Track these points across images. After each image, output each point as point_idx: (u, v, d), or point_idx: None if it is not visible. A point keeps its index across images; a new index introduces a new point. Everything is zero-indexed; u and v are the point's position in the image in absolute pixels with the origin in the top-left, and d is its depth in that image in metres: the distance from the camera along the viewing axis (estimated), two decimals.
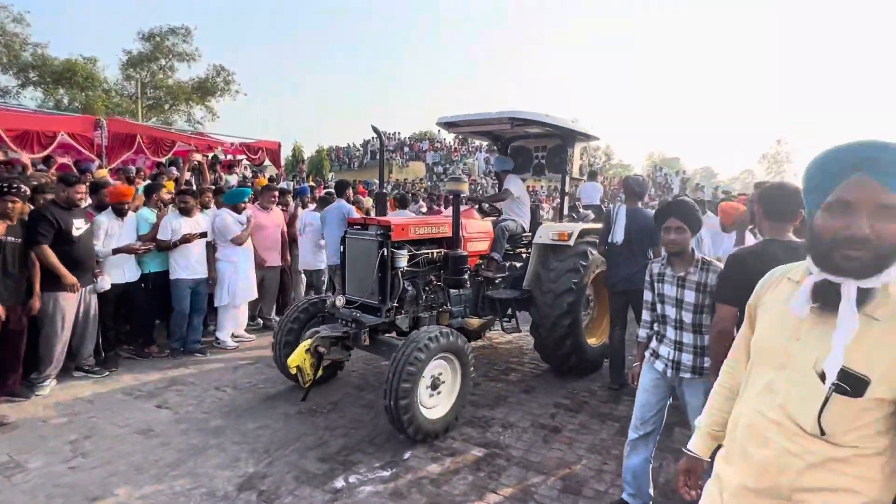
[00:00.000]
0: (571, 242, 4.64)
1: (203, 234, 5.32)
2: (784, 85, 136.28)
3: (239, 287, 5.59)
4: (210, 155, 9.88)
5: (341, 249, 4.33)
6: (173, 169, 9.22)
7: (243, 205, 5.78)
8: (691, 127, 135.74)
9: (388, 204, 6.41)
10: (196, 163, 7.16)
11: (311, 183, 15.21)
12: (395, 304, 4.09)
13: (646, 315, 2.80)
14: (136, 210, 5.23)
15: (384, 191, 5.08)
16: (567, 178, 5.29)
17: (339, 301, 4.04)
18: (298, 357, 3.70)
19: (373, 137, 31.66)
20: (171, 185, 6.30)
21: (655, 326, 2.75)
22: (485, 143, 31.41)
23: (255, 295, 5.96)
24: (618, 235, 4.38)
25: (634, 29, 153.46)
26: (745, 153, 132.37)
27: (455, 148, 30.03)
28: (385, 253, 3.98)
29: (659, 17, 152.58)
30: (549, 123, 4.82)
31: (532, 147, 5.86)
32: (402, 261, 4.07)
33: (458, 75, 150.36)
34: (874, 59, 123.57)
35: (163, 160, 9.24)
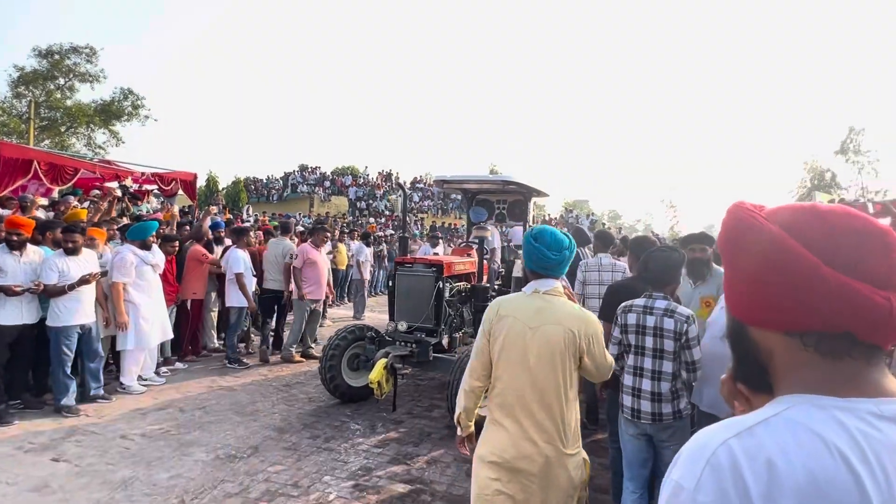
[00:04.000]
0: None
1: (104, 274, 5.02)
2: (676, 136, 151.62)
3: (144, 329, 5.26)
4: (118, 185, 9.30)
5: (390, 284, 5.30)
6: (70, 198, 8.57)
7: (152, 239, 5.46)
8: (599, 171, 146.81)
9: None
10: (115, 196, 6.79)
11: (228, 216, 14.64)
12: (443, 327, 5.02)
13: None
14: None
15: (405, 235, 6.14)
16: (527, 226, 6.59)
17: (402, 326, 4.92)
18: (378, 374, 4.32)
19: (299, 171, 31.16)
20: (83, 213, 5.90)
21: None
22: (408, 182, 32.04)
23: (167, 336, 5.68)
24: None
25: (548, 79, 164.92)
26: (645, 197, 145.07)
27: (378, 184, 30.25)
28: (441, 286, 4.93)
29: (572, 70, 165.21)
30: (529, 187, 6.05)
31: (494, 200, 7.04)
32: (447, 292, 5.06)
33: (379, 114, 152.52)
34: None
35: (55, 189, 8.56)
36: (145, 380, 5.48)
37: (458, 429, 2.25)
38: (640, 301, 2.71)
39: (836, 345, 0.64)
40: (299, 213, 22.42)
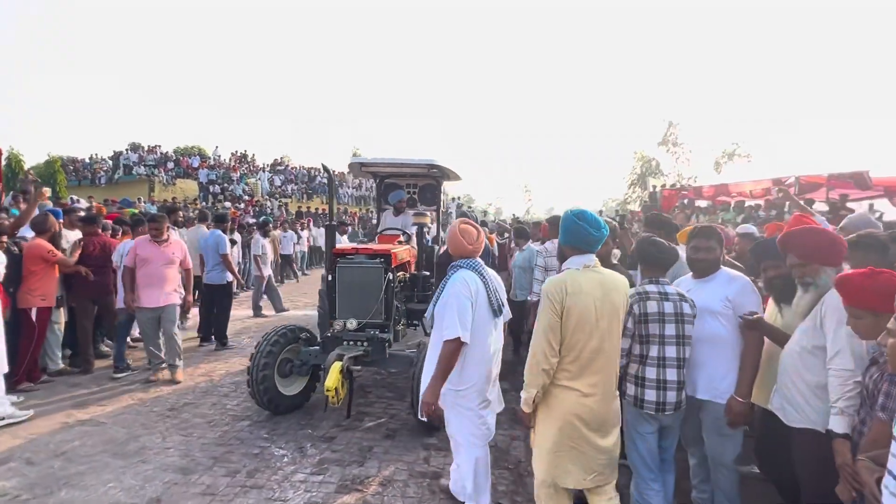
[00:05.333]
0: None
1: None
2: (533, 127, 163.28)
3: None
4: None
5: (329, 278, 4.59)
6: None
7: None
8: (450, 157, 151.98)
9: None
10: None
11: (47, 199, 11.91)
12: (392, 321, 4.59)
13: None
14: None
15: (333, 223, 4.98)
16: (440, 210, 6.38)
17: (352, 324, 4.37)
18: (335, 380, 3.79)
19: (127, 152, 26.77)
20: None
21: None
22: (269, 164, 29.78)
23: (2, 369, 4.23)
24: None
25: (403, 65, 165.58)
26: (494, 183, 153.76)
27: (234, 166, 27.39)
28: (390, 278, 4.49)
29: (425, 55, 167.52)
30: (448, 170, 5.84)
31: (403, 184, 6.67)
32: (395, 283, 4.66)
33: (227, 92, 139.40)
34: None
35: None
36: None
37: (526, 406, 2.39)
38: (651, 287, 2.58)
39: None
40: (139, 199, 19.28)
